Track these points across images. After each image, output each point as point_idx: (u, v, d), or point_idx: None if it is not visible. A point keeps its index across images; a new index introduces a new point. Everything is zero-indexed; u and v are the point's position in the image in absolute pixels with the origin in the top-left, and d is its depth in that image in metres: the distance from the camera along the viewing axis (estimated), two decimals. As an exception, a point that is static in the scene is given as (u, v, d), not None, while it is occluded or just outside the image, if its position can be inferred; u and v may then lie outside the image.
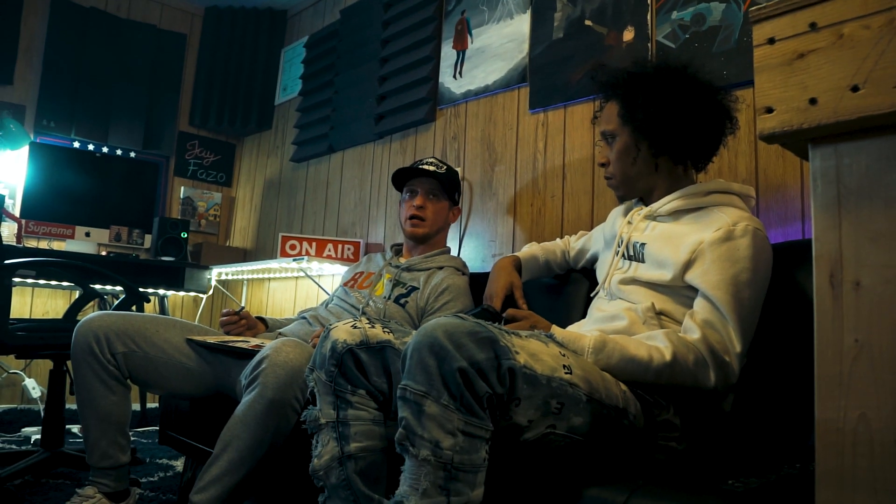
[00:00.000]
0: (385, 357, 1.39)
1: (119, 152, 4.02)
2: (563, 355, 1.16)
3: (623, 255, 1.52)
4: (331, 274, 3.32)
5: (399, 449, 1.06)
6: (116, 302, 2.53)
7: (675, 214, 1.45)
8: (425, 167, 2.13)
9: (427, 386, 1.04)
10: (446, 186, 2.14)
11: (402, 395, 1.07)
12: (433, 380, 1.04)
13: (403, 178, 2.18)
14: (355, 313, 2.04)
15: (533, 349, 1.11)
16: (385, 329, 1.42)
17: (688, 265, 1.34)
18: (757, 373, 1.38)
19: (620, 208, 1.67)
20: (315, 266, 3.09)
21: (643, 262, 1.45)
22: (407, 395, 1.06)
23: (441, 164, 2.16)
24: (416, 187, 2.14)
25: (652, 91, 1.43)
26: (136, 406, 3.60)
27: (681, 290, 1.37)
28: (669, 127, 1.42)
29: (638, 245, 1.48)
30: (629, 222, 1.55)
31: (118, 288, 3.41)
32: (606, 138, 1.54)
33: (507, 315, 1.42)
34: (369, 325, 1.41)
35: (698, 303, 1.32)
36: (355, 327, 1.40)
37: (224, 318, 2.07)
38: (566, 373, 1.12)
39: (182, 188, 4.33)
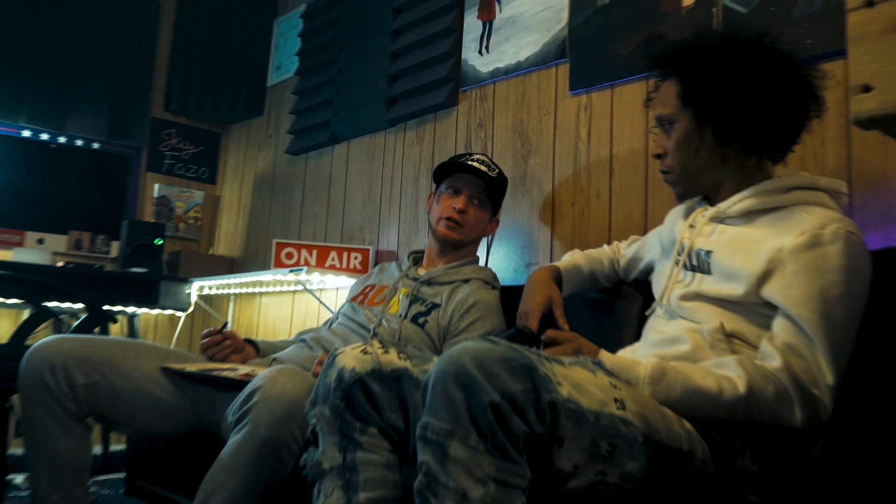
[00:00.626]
0: (401, 388, 1.39)
1: (79, 143, 4.07)
2: (615, 386, 1.15)
3: (684, 265, 1.51)
4: (334, 288, 3.32)
5: (418, 501, 1.06)
6: (76, 323, 2.54)
7: (748, 216, 1.44)
8: (475, 164, 2.15)
9: (452, 424, 1.04)
10: (493, 193, 2.17)
11: (422, 434, 1.07)
12: (460, 416, 1.04)
13: (446, 172, 2.20)
14: (365, 335, 2.04)
15: (578, 379, 1.11)
16: (401, 354, 1.41)
17: (764, 277, 1.33)
18: (853, 408, 1.36)
19: (680, 208, 1.66)
20: (316, 279, 3.10)
21: (709, 273, 1.44)
22: (428, 434, 1.06)
23: (493, 166, 2.20)
24: (461, 185, 2.16)
25: (718, 66, 1.42)
26: (97, 449, 3.61)
27: (756, 308, 1.36)
28: (739, 109, 1.40)
29: (703, 253, 1.47)
30: (691, 226, 1.54)
31: (78, 306, 3.44)
32: (663, 124, 1.53)
33: (546, 337, 1.41)
34: (382, 350, 1.41)
35: (778, 323, 1.31)
36: (366, 352, 1.40)
37: (205, 339, 2.08)
38: (618, 408, 1.12)
39: (156, 186, 4.37)
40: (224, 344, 2.08)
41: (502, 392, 1.03)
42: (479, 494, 1.02)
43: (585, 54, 2.44)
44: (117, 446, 3.80)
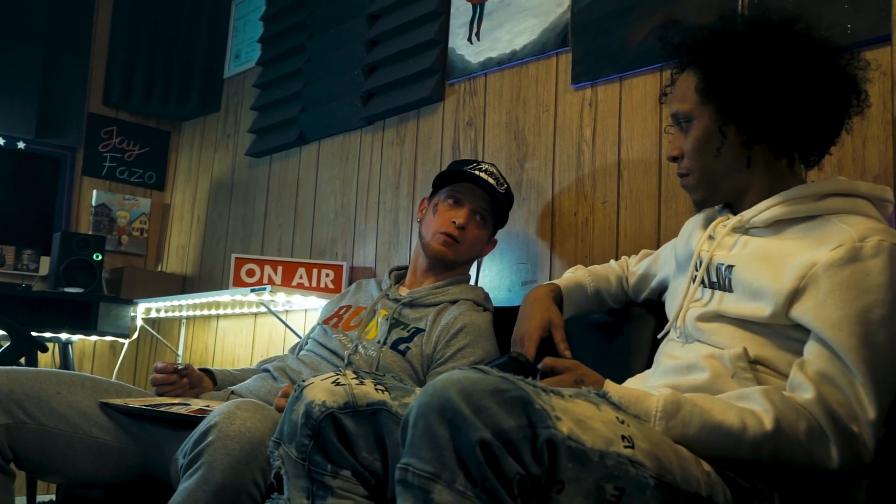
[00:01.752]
0: (378, 424, 1.39)
1: (1, 142, 4.05)
2: (622, 422, 1.16)
3: (703, 281, 1.52)
4: (302, 309, 3.33)
5: None
6: (-3, 352, 2.53)
7: (777, 226, 1.45)
8: (483, 176, 2.16)
9: (437, 465, 1.04)
10: (498, 211, 2.20)
11: (402, 477, 1.07)
12: (445, 457, 1.04)
13: (448, 178, 2.21)
14: (338, 364, 2.05)
15: (580, 413, 1.12)
16: (378, 386, 1.42)
17: (794, 296, 1.33)
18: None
19: (698, 218, 1.68)
20: (281, 299, 3.10)
21: (731, 290, 1.45)
22: (409, 478, 1.06)
23: (502, 180, 2.21)
24: (464, 197, 2.18)
25: (743, 55, 1.43)
26: (20, 501, 3.58)
27: (785, 331, 1.37)
28: (767, 104, 1.41)
29: (723, 268, 1.48)
30: (710, 237, 1.55)
31: (0, 333, 3.42)
32: (679, 122, 1.55)
33: (544, 366, 1.42)
34: (356, 381, 1.42)
35: (811, 349, 1.32)
36: (338, 384, 1.41)
37: (158, 374, 2.08)
38: (626, 446, 1.12)
39: (94, 192, 4.37)
40: (180, 383, 2.08)
41: (493, 429, 1.03)
42: None
43: (590, 42, 2.47)
44: (45, 496, 3.78)
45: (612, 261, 2.03)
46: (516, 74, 2.72)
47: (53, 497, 3.68)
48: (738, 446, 1.24)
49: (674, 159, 1.57)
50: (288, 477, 1.39)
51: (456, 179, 2.19)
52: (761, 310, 1.37)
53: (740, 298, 1.43)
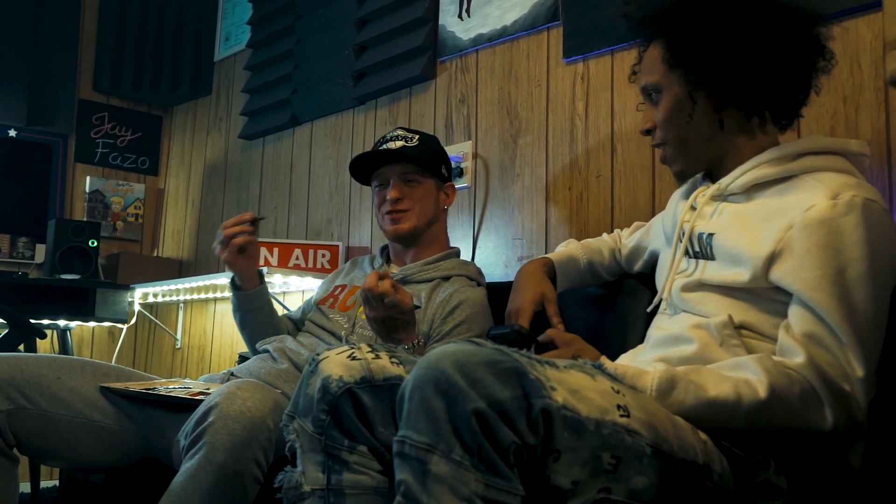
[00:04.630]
0: (394, 399, 1.39)
1: (-8, 131, 4.05)
2: (617, 392, 1.17)
3: (686, 251, 1.54)
4: (299, 290, 3.33)
5: None
6: (-6, 340, 2.53)
7: (754, 190, 1.46)
8: (389, 146, 2.14)
9: (433, 437, 1.06)
10: (426, 163, 2.15)
11: (399, 450, 1.09)
12: (441, 428, 1.05)
13: (366, 168, 2.21)
14: (337, 345, 2.04)
15: (575, 384, 1.12)
16: (393, 359, 1.41)
17: (772, 259, 1.35)
18: None
19: (683, 189, 1.69)
20: (278, 280, 3.11)
21: (713, 258, 1.47)
22: (406, 450, 1.07)
23: (410, 135, 2.18)
24: (385, 175, 2.17)
25: (705, 19, 1.45)
26: (24, 486, 3.59)
27: (767, 294, 1.38)
28: (733, 64, 1.43)
29: (704, 237, 1.49)
30: (692, 207, 1.56)
31: (-2, 321, 3.43)
32: (650, 95, 1.56)
33: (544, 338, 1.43)
34: (372, 355, 1.41)
35: (794, 311, 1.33)
36: (354, 358, 1.40)
37: (235, 226, 2.09)
38: (622, 415, 1.13)
39: (88, 178, 4.37)
40: (249, 230, 2.09)
41: (488, 399, 1.04)
42: None
43: (581, 16, 2.46)
44: (49, 482, 3.80)
45: (605, 234, 2.03)
46: (507, 50, 2.71)
47: (57, 482, 3.70)
48: (734, 417, 1.26)
49: (647, 132, 1.58)
50: (303, 451, 1.38)
51: (371, 166, 2.20)
52: (741, 275, 1.39)
53: (721, 265, 1.44)
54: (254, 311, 2.20)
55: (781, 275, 1.33)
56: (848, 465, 1.35)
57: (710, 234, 1.47)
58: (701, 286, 1.47)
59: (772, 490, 1.29)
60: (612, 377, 1.23)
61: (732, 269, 1.41)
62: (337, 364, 1.39)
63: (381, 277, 1.73)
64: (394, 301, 1.72)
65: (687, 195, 1.62)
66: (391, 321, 1.77)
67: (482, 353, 1.08)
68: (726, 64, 1.43)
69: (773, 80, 1.44)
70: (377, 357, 1.40)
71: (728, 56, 1.42)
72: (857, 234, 1.30)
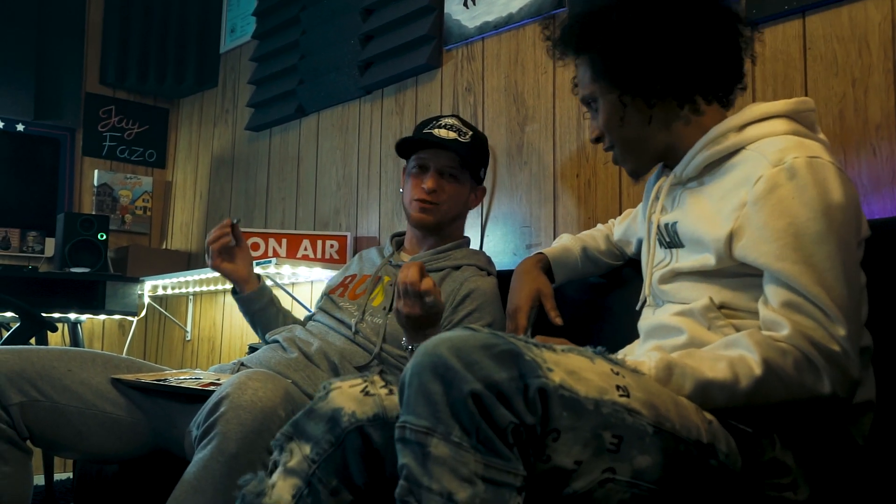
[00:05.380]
0: None
1: (0, 125, 4.05)
2: (617, 373, 1.18)
3: (660, 242, 1.56)
4: (308, 281, 3.34)
5: None
6: (7, 334, 2.54)
7: (706, 171, 1.48)
8: (441, 133, 2.12)
9: (432, 420, 1.06)
10: (470, 161, 2.15)
11: (400, 435, 1.09)
12: (439, 411, 1.06)
13: (412, 146, 2.19)
14: (346, 333, 2.05)
15: (572, 365, 1.13)
16: None
17: (732, 238, 1.36)
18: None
19: (649, 182, 1.70)
20: (287, 272, 3.12)
21: (682, 246, 1.49)
22: (406, 434, 1.08)
23: (465, 130, 2.16)
24: (427, 161, 2.15)
25: (613, 29, 1.47)
26: (38, 479, 3.62)
27: (738, 270, 1.39)
28: (640, 57, 1.45)
29: (670, 226, 1.52)
30: (656, 197, 1.58)
31: (8, 314, 3.45)
32: (590, 105, 1.59)
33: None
34: (386, 391, 1.39)
35: (767, 285, 1.33)
36: (367, 393, 1.38)
37: (215, 231, 2.17)
38: (621, 395, 1.14)
39: (96, 172, 4.38)
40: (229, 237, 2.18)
41: (485, 381, 1.05)
42: (465, 496, 1.03)
43: (587, 1, 2.45)
44: (62, 474, 3.82)
45: (600, 224, 2.05)
46: (513, 38, 2.71)
47: (70, 475, 3.72)
48: (733, 396, 1.26)
49: (597, 140, 1.60)
50: (285, 469, 1.36)
51: (418, 145, 2.17)
52: (708, 259, 1.40)
53: (690, 252, 1.46)
54: (258, 312, 2.24)
55: (744, 252, 1.34)
56: (852, 439, 1.36)
57: (674, 223, 1.50)
58: (676, 275, 1.48)
59: (779, 468, 1.29)
60: (612, 361, 1.23)
61: (700, 253, 1.43)
62: (349, 398, 1.37)
63: (422, 272, 1.70)
64: (434, 301, 1.70)
65: (653, 186, 1.65)
66: (425, 319, 1.74)
67: (478, 337, 1.09)
68: (642, 64, 1.45)
69: (692, 66, 1.45)
70: (391, 393, 1.39)
71: (642, 56, 1.45)
72: (805, 194, 1.30)
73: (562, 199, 2.50)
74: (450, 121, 2.16)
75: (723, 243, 1.37)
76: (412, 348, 1.80)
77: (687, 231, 1.46)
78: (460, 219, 2.24)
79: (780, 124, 1.43)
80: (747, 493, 1.27)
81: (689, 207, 1.47)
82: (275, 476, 1.35)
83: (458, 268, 2.12)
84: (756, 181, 1.34)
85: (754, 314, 1.37)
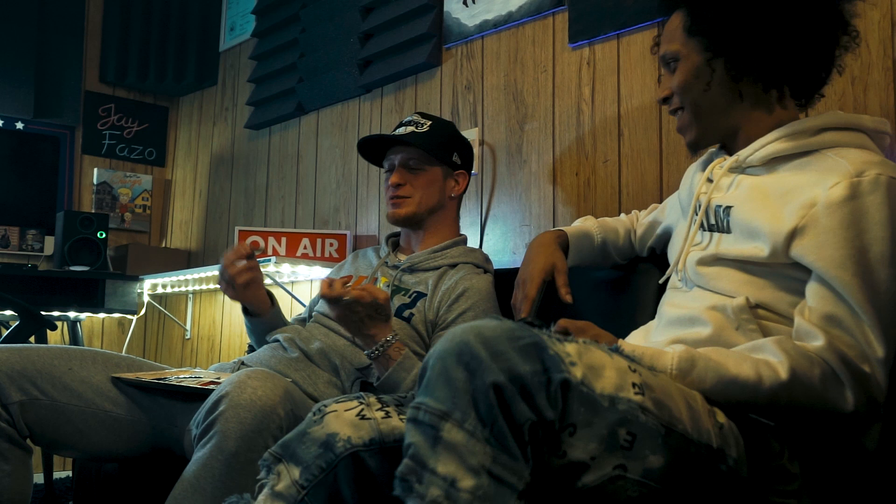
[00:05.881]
0: None
1: (0, 123, 4.06)
2: (634, 371, 1.17)
3: (702, 224, 1.53)
4: (307, 279, 3.34)
5: (399, 488, 1.07)
6: (6, 332, 2.54)
7: (773, 163, 1.45)
8: (399, 131, 2.16)
9: (450, 404, 1.06)
10: (434, 149, 2.15)
11: (413, 416, 1.09)
12: (459, 397, 1.06)
13: (379, 151, 2.22)
14: (345, 335, 2.05)
15: (593, 361, 1.13)
16: (402, 416, 1.38)
17: (794, 235, 1.34)
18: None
19: (698, 163, 1.68)
20: (286, 270, 3.12)
21: (729, 231, 1.46)
22: (420, 416, 1.08)
23: (422, 121, 2.17)
24: (392, 159, 2.18)
25: None
26: (37, 477, 3.62)
27: (784, 270, 1.38)
28: (753, 35, 1.42)
29: (721, 209, 1.48)
30: (709, 179, 1.55)
31: (8, 312, 3.45)
32: (668, 64, 1.55)
33: (558, 328, 1.43)
34: (382, 414, 1.38)
35: (814, 290, 1.32)
36: (363, 417, 1.37)
37: (230, 255, 2.09)
38: (636, 393, 1.14)
39: (95, 170, 4.38)
40: (246, 267, 2.08)
41: (509, 373, 1.05)
42: (469, 485, 1.03)
43: (586, 0, 2.45)
44: (62, 473, 3.82)
45: (623, 214, 2.03)
46: (513, 36, 2.71)
47: (70, 473, 3.72)
48: (754, 397, 1.26)
49: (664, 100, 1.57)
50: (272, 491, 1.35)
51: (383, 149, 2.22)
52: (760, 249, 1.38)
53: (738, 239, 1.43)
54: (269, 332, 2.21)
55: (803, 251, 1.33)
56: (862, 448, 1.35)
57: (728, 207, 1.46)
58: (718, 260, 1.46)
59: (785, 475, 1.29)
60: (629, 358, 1.23)
61: (751, 242, 1.40)
62: (344, 423, 1.37)
63: (331, 284, 1.75)
64: (350, 300, 1.73)
65: (703, 167, 1.61)
66: (356, 318, 1.79)
67: (504, 327, 1.10)
68: (746, 33, 1.42)
69: (793, 53, 1.43)
70: (387, 416, 1.39)
71: (748, 25, 1.42)
72: (882, 213, 1.29)
73: (561, 198, 2.50)
74: (411, 118, 2.20)
75: (782, 238, 1.34)
76: (374, 353, 1.83)
77: (742, 218, 1.43)
78: (442, 209, 2.21)
79: (861, 138, 1.41)
80: (753, 500, 1.26)
81: (748, 195, 1.44)
82: (260, 498, 1.35)
83: (454, 266, 2.11)
84: (833, 185, 1.31)
85: (786, 319, 1.37)
